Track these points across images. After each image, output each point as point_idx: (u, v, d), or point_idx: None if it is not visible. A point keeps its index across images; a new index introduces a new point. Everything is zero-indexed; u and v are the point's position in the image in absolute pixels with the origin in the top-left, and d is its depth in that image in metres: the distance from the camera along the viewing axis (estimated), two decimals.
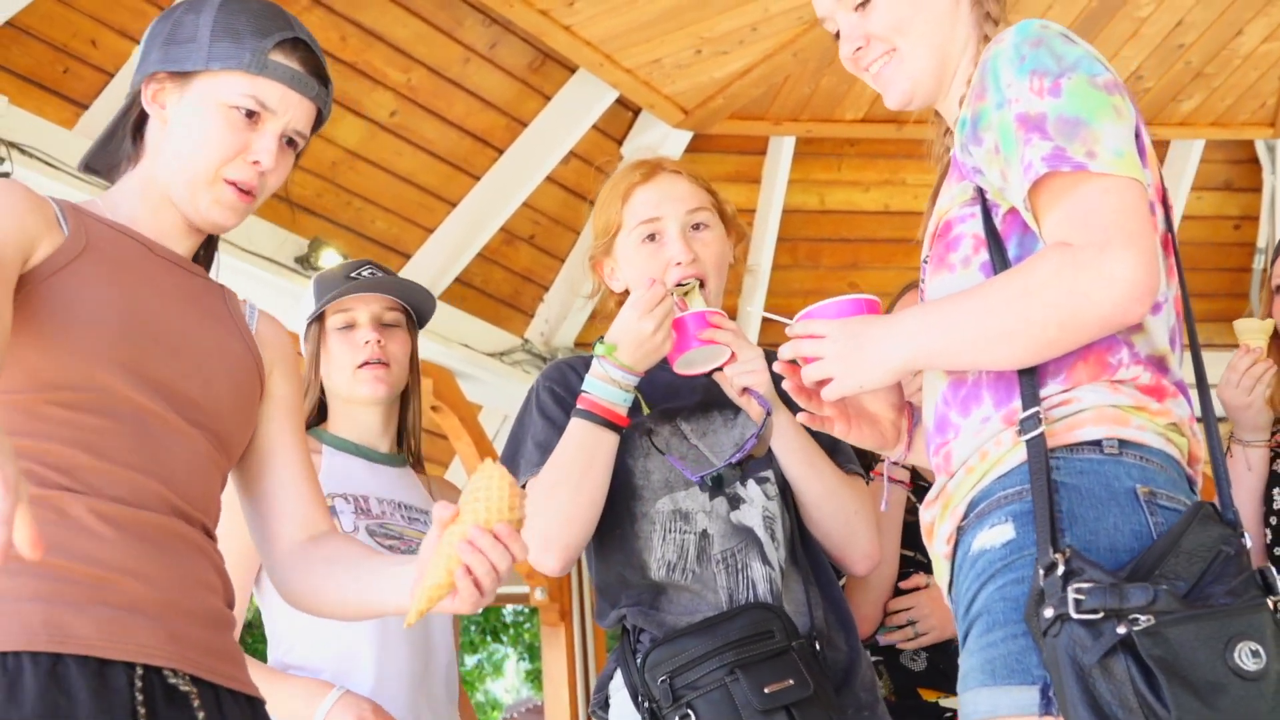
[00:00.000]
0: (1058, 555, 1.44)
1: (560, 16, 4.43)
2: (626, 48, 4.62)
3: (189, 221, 1.70)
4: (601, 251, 2.28)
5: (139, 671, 1.46)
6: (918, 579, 2.59)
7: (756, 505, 2.15)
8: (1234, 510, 1.55)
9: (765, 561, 2.11)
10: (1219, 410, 2.00)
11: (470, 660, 13.65)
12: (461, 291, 5.16)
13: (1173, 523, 1.49)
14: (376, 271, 2.57)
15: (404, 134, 4.74)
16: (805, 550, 2.20)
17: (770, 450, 2.16)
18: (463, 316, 5.14)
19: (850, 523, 2.21)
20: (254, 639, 7.77)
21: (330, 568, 1.68)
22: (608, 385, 2.10)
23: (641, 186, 2.24)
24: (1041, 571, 1.45)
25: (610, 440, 2.10)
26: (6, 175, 3.63)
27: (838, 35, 1.79)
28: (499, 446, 4.97)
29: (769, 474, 2.18)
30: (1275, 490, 2.79)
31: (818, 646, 2.09)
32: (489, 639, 13.56)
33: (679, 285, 2.15)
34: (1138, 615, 1.38)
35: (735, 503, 2.15)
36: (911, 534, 2.57)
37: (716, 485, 2.13)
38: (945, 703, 2.55)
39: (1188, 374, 1.65)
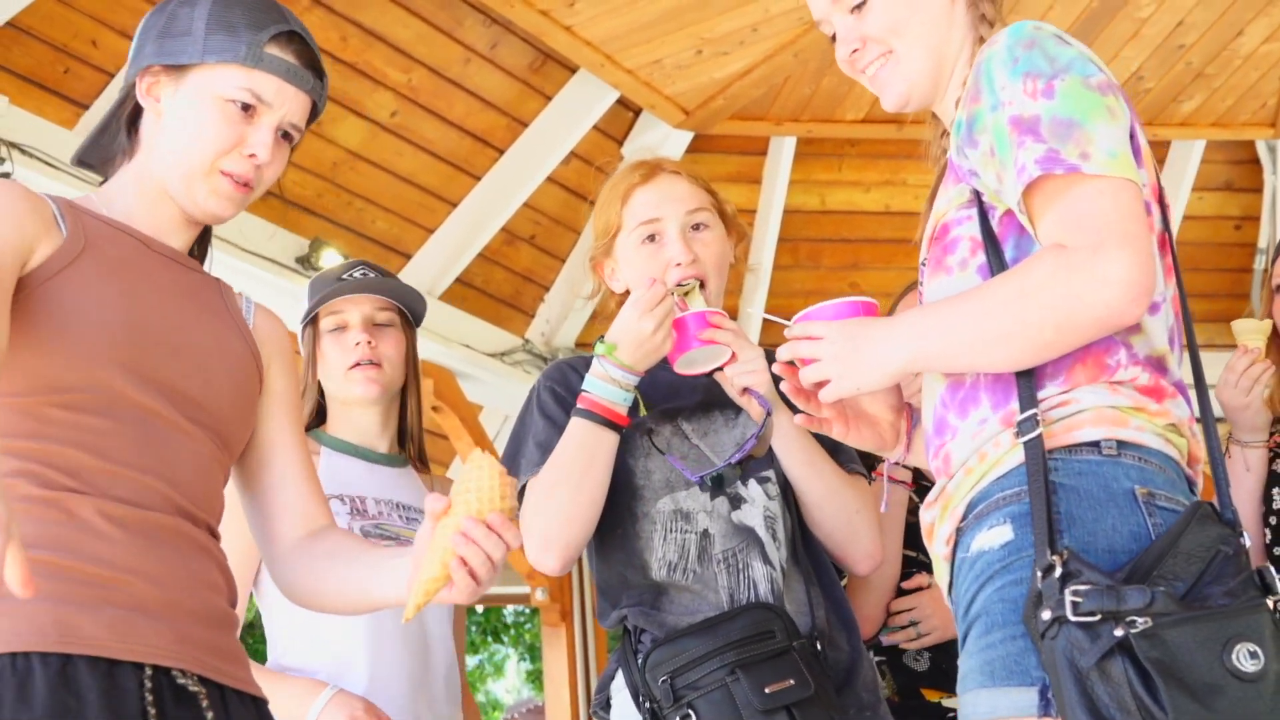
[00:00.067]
0: (1055, 557, 1.44)
1: (561, 17, 4.43)
2: (627, 48, 4.62)
3: (185, 214, 1.70)
4: (602, 252, 2.29)
5: (148, 672, 1.47)
6: (920, 579, 2.59)
7: (758, 505, 2.15)
8: (1233, 509, 1.55)
9: (766, 561, 2.11)
10: (1217, 411, 2.00)
11: (471, 661, 13.65)
12: (462, 292, 5.17)
13: (1171, 523, 1.48)
14: (369, 272, 2.57)
15: (405, 134, 4.74)
16: (807, 550, 2.20)
17: (771, 450, 2.16)
18: (463, 317, 5.15)
19: (852, 522, 2.20)
20: (255, 639, 7.77)
21: (331, 563, 1.69)
22: (608, 385, 2.10)
23: (641, 187, 2.24)
24: (1039, 573, 1.45)
25: (610, 440, 2.10)
26: (7, 175, 3.64)
27: (834, 38, 1.79)
28: (500, 446, 4.96)
29: (770, 474, 2.18)
30: (1275, 490, 2.79)
31: (819, 646, 2.09)
32: (490, 639, 13.55)
33: (679, 285, 2.15)
34: (1135, 617, 1.38)
35: (736, 502, 2.15)
36: (914, 534, 2.57)
37: (717, 485, 2.13)
38: (948, 703, 2.55)
39: (1187, 374, 1.65)
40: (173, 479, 1.57)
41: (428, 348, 4.65)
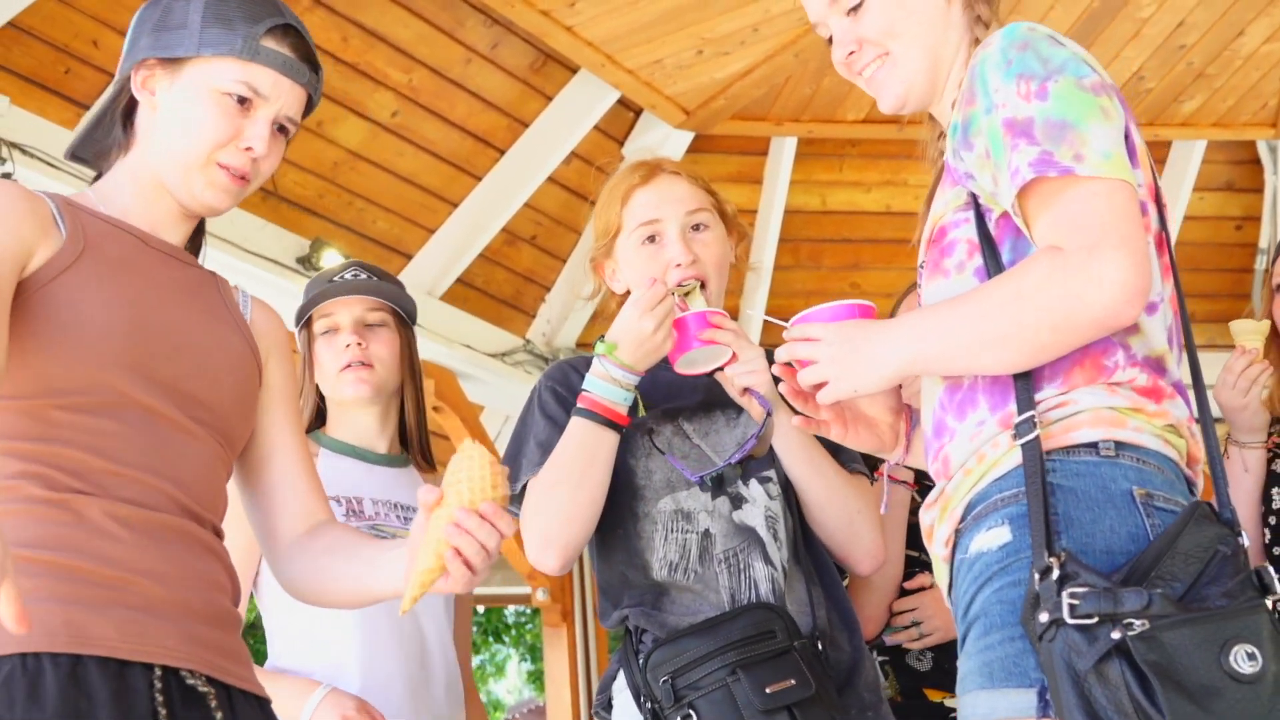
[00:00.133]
0: (1052, 559, 1.44)
1: (562, 17, 4.43)
2: (628, 48, 4.62)
3: (182, 208, 1.70)
4: (602, 253, 2.29)
5: (157, 672, 1.47)
6: (922, 579, 2.59)
7: (759, 505, 2.15)
8: (1231, 509, 1.55)
9: (767, 561, 2.11)
10: (1215, 411, 2.00)
11: (472, 661, 13.62)
12: (463, 292, 5.16)
13: (1169, 524, 1.48)
14: (360, 273, 2.57)
15: (406, 134, 4.74)
16: (808, 550, 2.20)
17: (772, 450, 2.16)
18: (464, 317, 5.15)
19: (853, 522, 2.20)
20: (256, 640, 7.77)
21: (330, 559, 1.69)
22: (608, 384, 2.10)
23: (641, 188, 2.24)
24: (1036, 575, 1.45)
25: (610, 439, 2.11)
26: (8, 176, 3.64)
27: (830, 40, 1.79)
28: (501, 447, 4.96)
29: (771, 473, 2.18)
30: (1274, 490, 2.79)
31: (820, 646, 2.09)
32: (491, 640, 13.56)
33: (679, 286, 2.15)
34: (1132, 620, 1.38)
35: (737, 502, 2.15)
36: (916, 534, 2.56)
37: (718, 485, 2.13)
38: (950, 703, 2.54)
39: (1185, 375, 1.65)
40: (178, 479, 1.57)
41: (428, 348, 4.66)
